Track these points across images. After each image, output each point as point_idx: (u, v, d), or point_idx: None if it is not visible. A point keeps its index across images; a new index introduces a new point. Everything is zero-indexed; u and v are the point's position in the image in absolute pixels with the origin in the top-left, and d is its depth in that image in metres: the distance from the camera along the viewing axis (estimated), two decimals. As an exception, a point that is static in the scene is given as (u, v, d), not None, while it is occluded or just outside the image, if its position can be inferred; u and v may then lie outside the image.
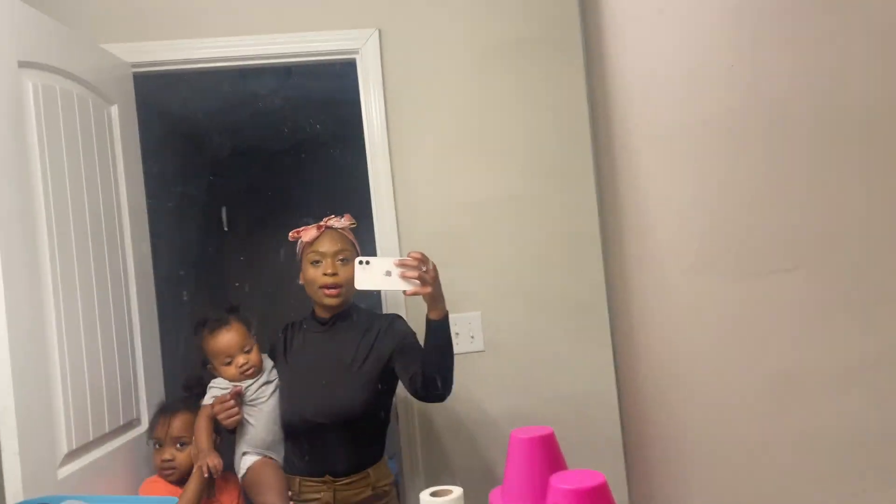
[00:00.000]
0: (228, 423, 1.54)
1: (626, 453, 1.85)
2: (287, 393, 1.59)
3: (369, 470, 1.56)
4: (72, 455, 1.54)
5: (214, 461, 1.54)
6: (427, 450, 1.87)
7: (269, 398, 1.59)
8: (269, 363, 1.64)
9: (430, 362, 1.45)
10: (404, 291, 1.37)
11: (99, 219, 1.73)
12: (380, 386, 1.56)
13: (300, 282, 1.64)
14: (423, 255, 1.38)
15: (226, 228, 2.81)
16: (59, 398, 1.51)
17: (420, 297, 1.41)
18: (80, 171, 1.67)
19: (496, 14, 1.95)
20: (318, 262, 1.57)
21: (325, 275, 1.56)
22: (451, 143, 1.92)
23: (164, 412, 1.65)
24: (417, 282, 1.35)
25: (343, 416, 1.53)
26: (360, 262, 1.38)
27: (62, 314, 1.54)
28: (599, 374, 1.87)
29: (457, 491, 1.27)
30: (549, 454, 0.93)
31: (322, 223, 1.63)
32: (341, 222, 1.64)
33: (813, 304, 1.14)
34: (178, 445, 1.62)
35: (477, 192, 1.91)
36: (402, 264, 1.36)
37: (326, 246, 1.59)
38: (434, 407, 1.80)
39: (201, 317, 1.65)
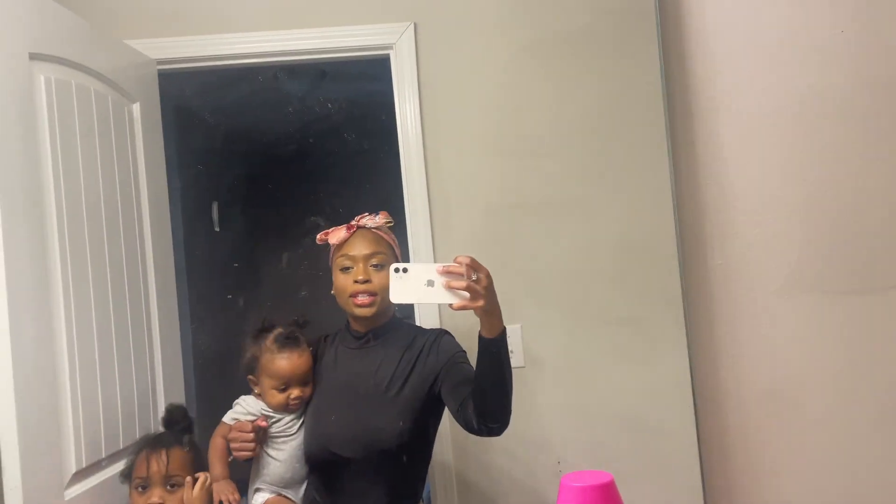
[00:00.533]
0: (240, 456, 1.34)
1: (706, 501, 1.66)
2: (312, 419, 1.36)
3: None
4: (81, 474, 1.43)
5: (232, 496, 1.34)
6: (463, 487, 1.71)
7: (296, 433, 1.39)
8: None
9: (484, 389, 1.20)
10: (450, 305, 1.13)
11: (116, 219, 1.63)
12: (421, 415, 1.32)
13: (332, 292, 1.43)
14: (472, 259, 1.13)
15: (252, 235, 2.74)
16: (67, 413, 1.41)
17: (469, 311, 1.17)
18: (97, 169, 1.58)
19: (541, 2, 1.81)
20: (348, 267, 1.35)
21: (355, 282, 1.34)
22: (489, 142, 1.78)
23: (152, 447, 1.40)
24: (466, 293, 1.12)
25: (375, 450, 1.30)
26: (397, 270, 1.14)
27: (73, 321, 1.44)
28: (669, 401, 1.69)
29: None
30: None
31: (353, 222, 1.41)
32: (375, 221, 1.41)
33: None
34: (168, 486, 1.38)
35: (517, 194, 1.77)
36: (447, 272, 1.12)
37: (357, 248, 1.36)
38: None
39: (268, 321, 1.42)
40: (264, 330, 1.41)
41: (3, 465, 1.26)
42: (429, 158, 1.78)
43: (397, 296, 1.15)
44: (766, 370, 1.62)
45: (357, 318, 1.39)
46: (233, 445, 1.35)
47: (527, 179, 1.77)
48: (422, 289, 1.14)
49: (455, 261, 1.14)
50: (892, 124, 0.96)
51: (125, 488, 1.46)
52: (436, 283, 1.14)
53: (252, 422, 1.36)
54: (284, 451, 1.39)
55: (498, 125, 1.78)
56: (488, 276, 1.16)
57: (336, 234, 1.39)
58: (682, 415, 1.69)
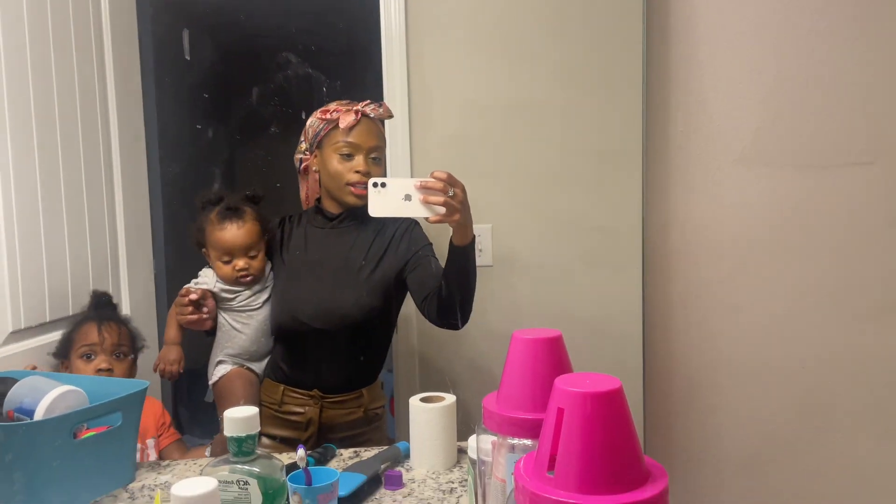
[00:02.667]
0: (181, 321, 1.35)
1: (645, 380, 1.70)
2: (282, 292, 1.39)
3: (363, 390, 1.39)
4: (19, 334, 1.37)
5: (170, 366, 1.37)
6: (425, 364, 1.73)
7: (261, 307, 1.40)
8: (266, 268, 1.43)
9: (450, 289, 1.25)
10: (427, 219, 1.16)
11: (68, 47, 1.51)
12: (388, 296, 1.36)
13: (302, 166, 1.42)
14: (449, 175, 1.15)
15: (205, 94, 2.65)
16: (3, 266, 1.32)
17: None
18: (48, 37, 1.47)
19: None
20: (349, 155, 1.34)
21: (356, 172, 1.33)
22: (473, 41, 1.71)
23: (100, 319, 1.45)
24: (442, 208, 1.14)
25: (345, 323, 1.33)
26: (375, 185, 1.14)
27: (10, 174, 1.34)
28: (622, 299, 1.71)
29: (449, 398, 1.12)
30: (554, 359, 0.76)
31: (359, 108, 1.37)
32: (379, 112, 1.38)
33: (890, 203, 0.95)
34: (116, 356, 1.42)
35: (498, 96, 1.71)
36: (424, 187, 1.14)
37: (363, 138, 1.34)
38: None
39: (215, 195, 1.41)
40: (208, 202, 1.40)
41: None
42: (410, 53, 1.70)
43: (375, 209, 1.15)
44: (714, 234, 1.68)
45: (345, 204, 1.38)
46: (176, 311, 1.36)
47: (508, 81, 1.71)
48: (399, 203, 1.15)
49: (432, 176, 1.15)
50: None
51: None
52: (413, 198, 1.15)
53: (189, 289, 1.36)
54: (249, 326, 1.39)
55: (483, 25, 1.71)
56: (464, 191, 1.18)
57: (346, 118, 1.35)
58: (630, 314, 1.72)
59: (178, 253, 2.03)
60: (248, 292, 1.40)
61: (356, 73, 1.66)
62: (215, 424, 1.52)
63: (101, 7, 1.67)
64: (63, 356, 1.43)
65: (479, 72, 1.71)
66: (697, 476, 1.76)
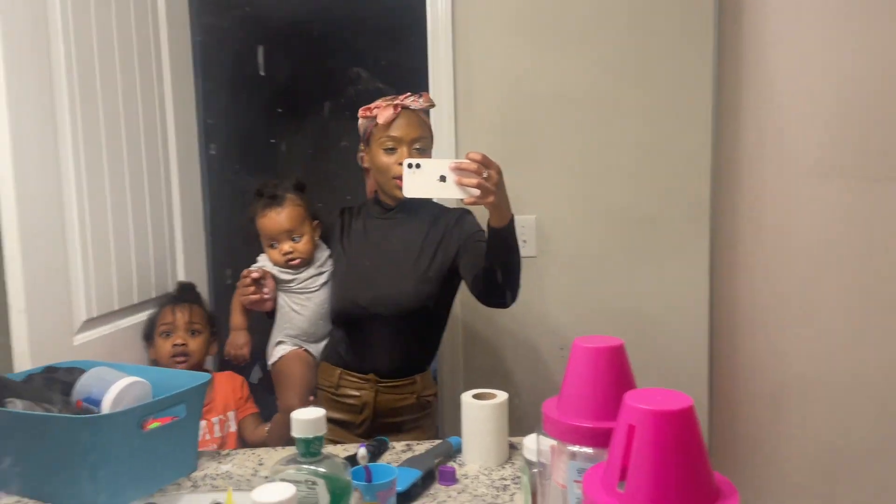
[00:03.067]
0: (244, 301, 1.43)
1: (711, 384, 1.68)
2: (341, 278, 1.45)
3: (417, 376, 1.42)
4: (92, 323, 1.44)
5: (238, 350, 1.46)
6: (469, 356, 1.74)
7: (319, 289, 1.46)
8: (323, 253, 1.49)
9: (493, 269, 1.28)
10: (462, 200, 1.17)
11: (132, 66, 1.58)
12: (443, 284, 1.40)
13: (363, 164, 1.46)
14: (483, 156, 1.15)
15: (279, 109, 2.72)
16: (77, 260, 1.40)
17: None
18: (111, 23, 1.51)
19: None
20: (392, 149, 1.37)
21: (400, 164, 1.33)
22: (523, 25, 1.69)
23: (174, 301, 1.60)
24: (476, 190, 1.14)
25: (401, 310, 1.37)
26: (410, 166, 1.16)
27: (83, 169, 1.41)
28: (681, 296, 1.69)
29: (501, 395, 1.13)
30: (617, 369, 0.77)
31: (398, 101, 1.39)
32: (419, 103, 1.40)
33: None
34: (191, 333, 1.55)
35: (547, 83, 1.69)
36: (458, 168, 1.14)
37: (403, 130, 1.37)
38: (479, 313, 1.67)
39: (261, 185, 1.49)
40: (257, 193, 1.48)
41: (9, 304, 1.27)
42: (457, 35, 1.69)
43: (410, 190, 1.17)
44: (786, 242, 1.66)
45: (394, 197, 1.41)
46: (238, 293, 1.44)
47: (559, 68, 1.69)
48: (434, 184, 1.16)
49: (467, 157, 1.15)
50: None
51: (135, 342, 1.58)
52: (448, 179, 1.16)
53: (250, 270, 1.44)
54: (307, 308, 1.46)
55: (535, 6, 1.68)
56: (499, 172, 1.18)
57: (383, 113, 1.37)
58: (695, 317, 1.70)
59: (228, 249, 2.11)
60: (305, 275, 1.46)
61: (425, 87, 1.69)
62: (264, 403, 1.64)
63: (159, 15, 1.71)
64: (149, 338, 1.59)
65: (530, 58, 1.69)
66: (763, 488, 1.74)
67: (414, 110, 1.40)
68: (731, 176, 1.70)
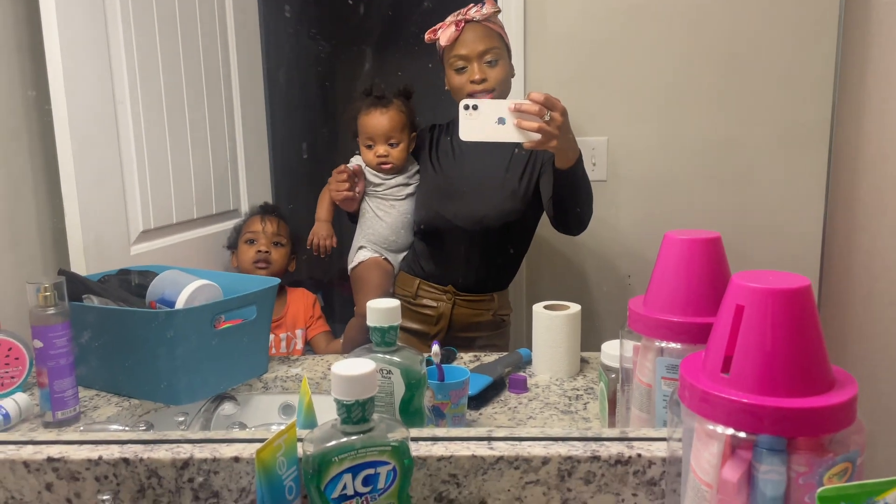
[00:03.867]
0: (336, 197, 1.44)
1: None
2: (428, 191, 1.44)
3: (494, 294, 1.42)
4: (148, 234, 1.45)
5: (324, 241, 1.49)
6: (532, 282, 1.70)
7: (404, 199, 1.47)
8: (413, 166, 1.48)
9: (561, 203, 1.26)
10: (522, 144, 1.10)
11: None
12: (527, 202, 1.37)
13: (447, 87, 1.41)
14: (547, 96, 1.08)
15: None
16: (133, 170, 1.40)
17: None
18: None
19: None
20: (462, 67, 1.32)
21: (472, 82, 1.31)
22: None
23: (263, 212, 1.63)
24: (537, 135, 1.08)
25: (484, 225, 1.36)
26: (466, 108, 1.08)
27: (137, 82, 1.39)
28: (760, 231, 1.58)
29: (574, 307, 1.10)
30: (713, 261, 0.72)
31: (460, 17, 1.33)
32: (482, 12, 1.33)
33: None
34: (274, 244, 1.58)
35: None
36: (519, 109, 1.07)
37: (469, 47, 1.31)
38: (547, 234, 1.62)
39: (369, 85, 1.49)
40: (364, 92, 1.47)
41: (65, 210, 1.28)
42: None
43: (466, 133, 1.09)
44: None
45: None
46: (330, 187, 1.44)
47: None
48: (492, 127, 1.09)
49: (528, 97, 1.08)
50: None
51: (194, 255, 1.60)
52: (507, 121, 1.08)
53: (346, 166, 1.44)
54: (391, 215, 1.46)
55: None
56: (563, 114, 1.10)
57: (445, 34, 1.32)
58: (780, 244, 1.58)
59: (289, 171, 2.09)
60: (393, 181, 1.45)
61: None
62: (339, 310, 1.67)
63: None
64: (233, 246, 1.62)
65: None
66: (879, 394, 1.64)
67: (478, 21, 1.32)
68: (854, 100, 1.55)
